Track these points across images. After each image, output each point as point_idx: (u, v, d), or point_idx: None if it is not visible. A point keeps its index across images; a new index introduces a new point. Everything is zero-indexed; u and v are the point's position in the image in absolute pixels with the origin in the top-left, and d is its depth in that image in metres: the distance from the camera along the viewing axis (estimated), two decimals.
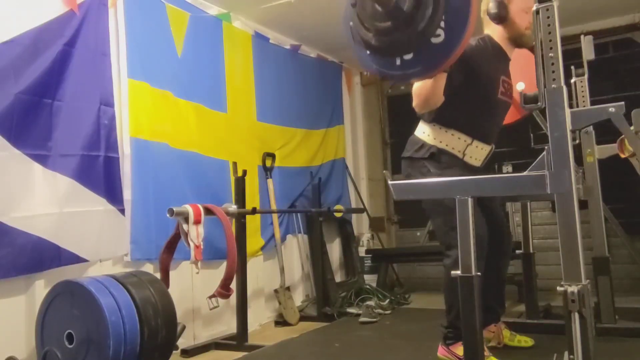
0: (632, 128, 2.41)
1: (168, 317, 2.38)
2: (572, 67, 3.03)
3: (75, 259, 2.63)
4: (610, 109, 1.77)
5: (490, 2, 2.41)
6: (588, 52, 2.89)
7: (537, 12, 1.58)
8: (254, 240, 3.73)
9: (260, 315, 3.81)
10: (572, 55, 3.01)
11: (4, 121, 2.38)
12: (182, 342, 2.92)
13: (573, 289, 1.45)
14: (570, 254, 1.49)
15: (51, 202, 2.55)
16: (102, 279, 2.31)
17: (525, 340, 2.63)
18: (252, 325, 3.53)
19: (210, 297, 2.75)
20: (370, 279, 4.65)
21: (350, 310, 3.89)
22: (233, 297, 2.98)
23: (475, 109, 2.38)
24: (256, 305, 3.75)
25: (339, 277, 4.73)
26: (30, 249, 2.43)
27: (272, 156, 4.04)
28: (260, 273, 3.84)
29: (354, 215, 5.05)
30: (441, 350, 2.41)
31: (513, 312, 3.43)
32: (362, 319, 3.57)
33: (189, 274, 3.20)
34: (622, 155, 2.78)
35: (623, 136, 2.60)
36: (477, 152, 2.43)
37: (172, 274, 2.87)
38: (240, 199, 3.27)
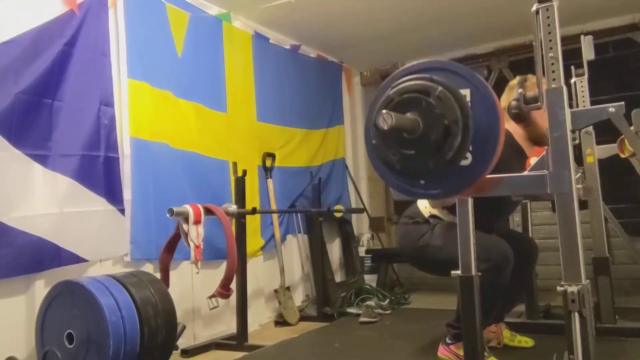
0: (632, 128, 2.41)
1: (168, 317, 2.38)
2: (572, 67, 3.03)
3: (75, 259, 2.63)
4: (610, 109, 1.77)
5: (512, 101, 2.37)
6: (588, 52, 2.89)
7: (537, 12, 1.58)
8: (254, 240, 3.73)
9: (260, 315, 3.81)
10: (572, 55, 3.01)
11: (4, 121, 2.38)
12: (182, 342, 2.92)
13: (573, 289, 1.45)
14: (570, 254, 1.49)
15: (51, 202, 2.55)
16: (102, 279, 2.31)
17: (525, 341, 2.63)
18: (252, 325, 3.53)
19: (210, 297, 2.75)
20: (370, 279, 4.65)
21: (350, 310, 3.89)
22: (233, 297, 2.98)
23: (486, 209, 2.24)
24: (256, 305, 3.75)
25: (339, 277, 4.73)
26: (30, 249, 2.43)
27: (272, 156, 4.04)
28: (260, 273, 3.84)
29: (354, 215, 5.05)
30: (442, 350, 2.41)
31: (513, 312, 3.42)
32: (362, 319, 3.57)
33: (189, 274, 3.20)
34: (622, 155, 2.78)
35: (623, 136, 2.60)
36: None
37: (172, 274, 2.87)
38: (240, 199, 3.27)
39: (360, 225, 5.22)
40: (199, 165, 3.40)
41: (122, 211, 2.88)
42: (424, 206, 2.47)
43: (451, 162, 1.55)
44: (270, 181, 3.98)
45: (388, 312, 3.82)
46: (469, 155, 1.56)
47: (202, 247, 2.72)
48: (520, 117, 2.39)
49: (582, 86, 3.02)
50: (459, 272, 1.64)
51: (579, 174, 1.61)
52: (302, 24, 4.17)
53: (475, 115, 1.54)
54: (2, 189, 2.36)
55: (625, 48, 4.41)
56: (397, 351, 2.83)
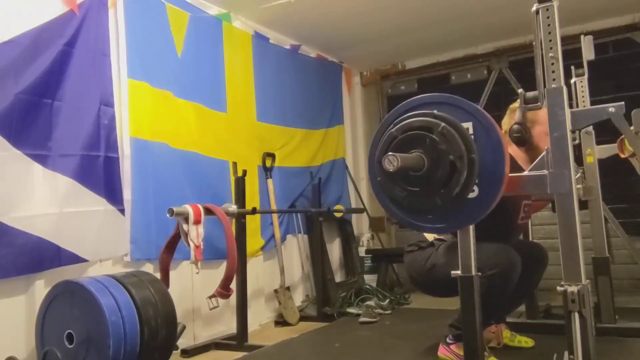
0: (632, 128, 2.41)
1: (168, 317, 2.38)
2: (572, 67, 3.03)
3: (75, 259, 2.63)
4: (610, 109, 1.77)
5: (514, 125, 2.36)
6: (588, 52, 2.88)
7: (537, 12, 1.58)
8: (254, 240, 3.73)
9: (260, 315, 3.81)
10: (572, 55, 3.01)
11: (4, 121, 2.38)
12: (182, 342, 2.92)
13: (573, 289, 1.45)
14: (570, 254, 1.49)
15: (51, 202, 2.55)
16: (102, 279, 2.31)
17: (525, 341, 2.63)
18: (252, 325, 3.53)
19: (210, 297, 2.75)
20: (370, 279, 4.65)
21: (350, 310, 3.89)
22: (233, 297, 2.98)
23: (492, 235, 2.24)
24: (256, 305, 3.75)
25: (339, 277, 4.73)
26: (30, 249, 2.43)
27: (272, 156, 4.04)
28: (260, 273, 3.84)
29: (354, 215, 5.05)
30: (442, 350, 2.41)
31: (513, 312, 3.42)
32: (362, 319, 3.56)
33: (189, 274, 3.20)
34: (622, 155, 2.78)
35: (623, 136, 2.60)
36: None
37: (172, 274, 2.87)
38: (240, 199, 3.26)
39: (360, 225, 5.22)
40: (199, 165, 3.40)
41: (122, 211, 2.88)
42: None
43: (458, 198, 1.54)
44: (270, 181, 3.98)
45: (388, 312, 3.82)
46: (475, 188, 1.56)
47: (202, 247, 2.72)
48: (522, 140, 2.38)
49: (582, 86, 3.02)
50: (459, 272, 1.64)
51: (579, 174, 1.61)
52: (302, 24, 4.17)
53: (480, 148, 1.54)
54: (2, 189, 2.36)
55: (625, 48, 4.40)
56: (397, 351, 2.83)
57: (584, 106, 2.95)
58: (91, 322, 2.18)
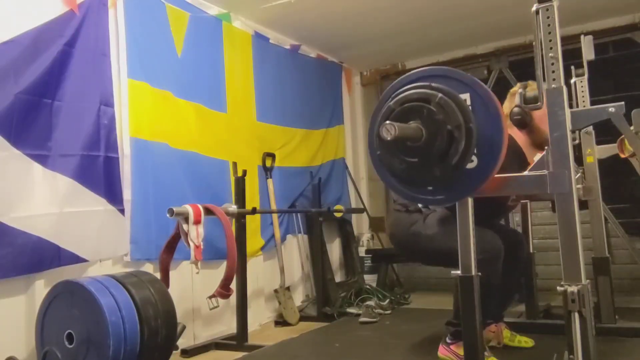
0: (632, 128, 2.41)
1: (168, 317, 2.38)
2: (572, 67, 3.03)
3: (75, 259, 2.63)
4: (610, 109, 1.77)
5: (514, 108, 2.37)
6: (588, 52, 2.89)
7: (537, 12, 1.58)
8: (254, 240, 3.73)
9: (260, 315, 3.81)
10: (572, 55, 3.01)
11: (4, 121, 2.38)
12: (182, 342, 2.92)
13: (573, 289, 1.45)
14: (570, 254, 1.49)
15: (51, 202, 2.55)
16: (102, 279, 2.31)
17: (525, 341, 2.63)
18: (252, 325, 3.53)
19: (210, 297, 2.75)
20: (370, 279, 4.65)
21: (350, 310, 3.89)
22: (233, 297, 2.98)
23: (483, 210, 2.32)
24: (256, 305, 3.75)
25: (339, 277, 4.73)
26: (30, 249, 2.43)
27: (272, 156, 4.04)
28: (260, 273, 3.84)
29: (354, 215, 5.05)
30: (442, 350, 2.41)
31: (513, 312, 3.42)
32: (362, 319, 3.56)
33: (189, 274, 3.20)
34: (622, 155, 2.78)
35: (623, 136, 2.60)
36: None
37: (172, 274, 2.87)
38: (240, 199, 3.26)
39: (360, 225, 5.22)
40: (199, 165, 3.40)
41: (122, 211, 2.88)
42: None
43: (457, 167, 1.55)
44: (270, 181, 3.98)
45: (388, 312, 3.82)
46: (474, 158, 1.56)
47: (202, 247, 2.72)
48: (522, 123, 2.39)
49: (582, 86, 3.02)
50: (458, 272, 1.64)
51: (579, 174, 1.61)
52: (302, 24, 4.17)
53: (477, 118, 1.55)
54: (2, 189, 2.36)
55: (625, 48, 4.40)
56: (397, 351, 2.83)
57: (584, 106, 2.95)
58: (91, 322, 2.18)
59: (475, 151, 1.55)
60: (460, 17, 4.12)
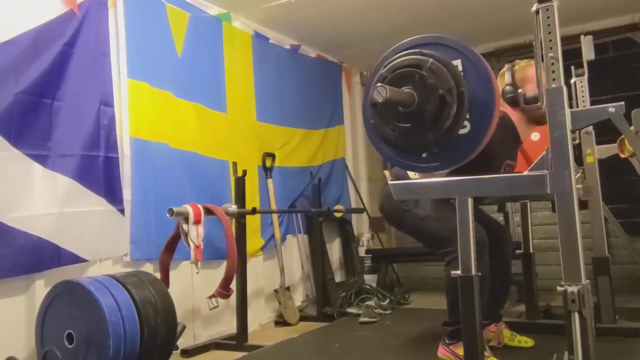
0: (632, 128, 2.40)
1: (168, 317, 2.38)
2: (572, 67, 3.03)
3: (75, 259, 2.63)
4: (610, 109, 1.76)
5: (506, 86, 2.38)
6: (588, 52, 2.88)
7: (537, 12, 1.58)
8: (254, 240, 3.73)
9: (260, 315, 3.81)
10: (572, 55, 3.01)
11: (4, 121, 2.38)
12: (182, 342, 2.92)
13: (573, 289, 1.45)
14: (570, 254, 1.49)
15: (51, 202, 2.55)
16: (102, 279, 2.31)
17: (525, 341, 2.63)
18: (252, 325, 3.53)
19: (210, 297, 2.75)
20: (370, 279, 4.65)
21: (350, 310, 3.89)
22: (233, 297, 2.98)
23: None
24: (256, 305, 3.75)
25: (339, 277, 4.73)
26: (30, 249, 2.43)
27: (272, 156, 4.04)
28: (260, 273, 3.84)
29: (354, 215, 5.05)
30: (442, 350, 2.41)
31: (513, 312, 3.42)
32: (362, 319, 3.56)
33: (189, 274, 3.20)
34: (622, 155, 2.78)
35: (623, 136, 2.60)
36: None
37: (172, 274, 2.87)
38: (240, 199, 3.26)
39: (360, 225, 5.22)
40: (199, 165, 3.40)
41: (122, 211, 2.88)
42: (413, 172, 2.46)
43: (449, 132, 1.57)
44: (270, 181, 3.98)
45: (388, 312, 3.82)
46: (467, 123, 1.57)
47: (202, 247, 2.72)
48: (515, 101, 2.40)
49: (582, 86, 3.02)
50: (458, 272, 1.64)
51: (579, 174, 1.61)
52: (302, 24, 4.17)
53: (469, 83, 1.57)
54: (2, 189, 2.36)
55: (625, 48, 4.41)
56: (397, 351, 2.83)
57: (584, 106, 2.95)
58: (91, 322, 2.18)
59: (467, 117, 1.57)
60: (460, 16, 4.11)
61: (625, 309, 3.11)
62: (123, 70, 2.99)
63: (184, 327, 2.59)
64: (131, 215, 2.93)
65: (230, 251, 2.74)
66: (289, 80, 4.38)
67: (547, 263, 4.02)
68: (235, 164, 3.39)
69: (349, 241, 4.89)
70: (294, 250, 4.31)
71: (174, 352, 2.51)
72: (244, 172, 3.32)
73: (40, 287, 2.49)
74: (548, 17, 1.56)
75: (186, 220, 2.70)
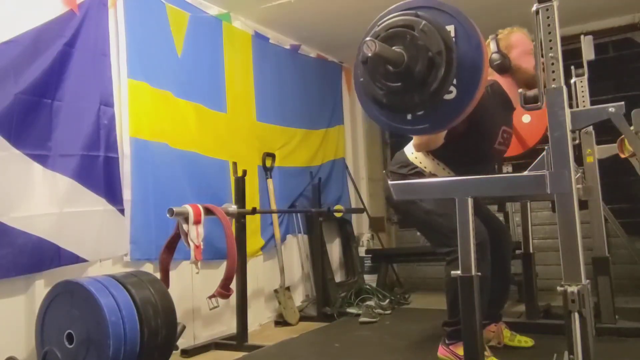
0: (632, 128, 2.40)
1: (168, 317, 2.38)
2: (572, 67, 3.03)
3: (75, 259, 2.63)
4: (610, 109, 1.76)
5: (492, 54, 2.42)
6: (588, 52, 2.89)
7: (537, 12, 1.58)
8: (254, 240, 3.73)
9: (260, 315, 3.81)
10: (572, 55, 3.01)
11: (4, 121, 2.38)
12: (182, 342, 2.92)
13: (573, 289, 1.45)
14: (570, 254, 1.49)
15: (51, 202, 2.55)
16: (102, 279, 2.31)
17: (525, 340, 2.63)
18: (252, 325, 3.53)
19: (210, 297, 2.75)
20: (370, 279, 4.65)
21: (350, 310, 3.89)
22: (233, 297, 2.98)
23: (468, 156, 2.38)
24: (256, 305, 3.75)
25: (339, 277, 4.73)
26: (30, 249, 2.43)
27: (272, 156, 4.04)
28: (260, 273, 3.84)
29: (354, 215, 5.05)
30: (441, 350, 2.41)
31: (513, 312, 3.42)
32: (362, 319, 3.56)
33: (189, 274, 3.20)
34: (622, 155, 2.78)
35: (623, 136, 2.60)
36: None
37: (172, 274, 2.87)
38: (240, 199, 3.26)
39: (360, 225, 5.21)
40: (199, 165, 3.40)
41: (122, 211, 2.88)
42: (410, 152, 2.48)
43: (435, 94, 1.59)
44: (270, 181, 3.98)
45: (388, 312, 3.82)
46: (453, 89, 1.60)
47: (202, 247, 2.72)
48: (503, 67, 2.44)
49: (582, 86, 3.02)
50: (458, 272, 1.64)
51: (579, 174, 1.61)
52: (302, 24, 4.17)
53: (460, 50, 1.59)
54: (2, 189, 2.36)
55: (625, 48, 4.41)
56: (397, 351, 2.83)
57: (584, 106, 2.95)
58: (91, 322, 2.18)
59: (455, 82, 1.59)
60: None
61: (625, 309, 3.11)
62: (123, 70, 2.99)
63: (184, 327, 2.59)
64: (131, 215, 2.93)
65: (230, 251, 2.74)
66: (289, 80, 4.38)
67: (547, 263, 4.02)
68: (235, 164, 3.39)
69: (349, 241, 4.89)
70: (294, 250, 4.31)
71: (174, 352, 2.51)
72: (244, 172, 3.32)
73: (40, 287, 2.49)
74: (548, 17, 1.56)
75: (186, 220, 2.70)
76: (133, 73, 3.02)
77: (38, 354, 2.32)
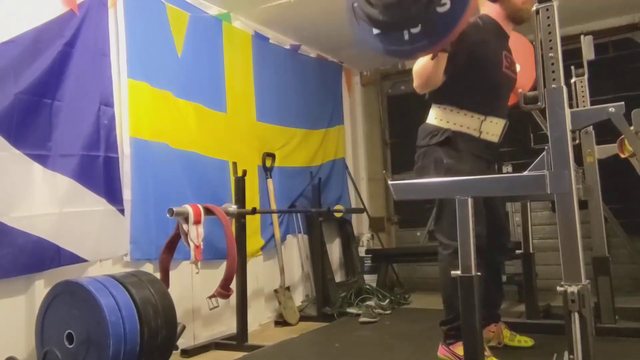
0: (632, 128, 2.41)
1: (168, 317, 2.38)
2: (572, 67, 3.03)
3: (75, 259, 2.63)
4: (610, 109, 1.76)
5: None
6: (588, 52, 2.89)
7: (537, 12, 1.58)
8: (254, 240, 3.73)
9: (260, 315, 3.81)
10: (572, 55, 3.01)
11: (4, 121, 2.38)
12: (182, 342, 2.92)
13: (573, 289, 1.45)
14: (570, 254, 1.49)
15: (51, 202, 2.55)
16: (102, 279, 2.31)
17: (525, 340, 2.63)
18: (252, 325, 3.53)
19: (210, 297, 2.75)
20: (370, 279, 4.65)
21: (350, 310, 3.89)
22: (233, 297, 2.98)
23: (482, 86, 2.38)
24: (256, 305, 3.75)
25: (339, 277, 4.73)
26: (30, 249, 2.43)
27: (272, 156, 4.04)
28: (260, 273, 3.84)
29: (354, 215, 5.05)
30: (441, 350, 2.41)
31: (513, 312, 3.42)
32: (362, 319, 3.57)
33: (189, 274, 3.20)
34: (622, 155, 2.78)
35: (623, 136, 2.60)
36: (492, 127, 2.43)
37: (172, 274, 2.87)
38: (240, 199, 3.26)
39: (360, 225, 5.22)
40: (199, 165, 3.40)
41: (122, 211, 2.88)
42: (433, 118, 2.45)
43: (429, 4, 1.64)
44: (270, 181, 3.98)
45: (388, 312, 3.82)
46: (446, 1, 1.65)
47: (202, 247, 2.72)
48: None
49: (582, 86, 3.02)
50: (458, 272, 1.64)
51: (578, 174, 1.61)
52: (302, 24, 4.17)
53: None
54: (2, 189, 2.36)
55: (625, 48, 4.41)
56: (397, 351, 2.83)
57: (584, 106, 2.95)
58: (91, 322, 2.18)
59: None
60: None
61: (625, 309, 3.11)
62: (123, 70, 2.99)
63: (184, 327, 2.59)
64: (131, 215, 2.93)
65: (230, 251, 2.74)
66: (289, 80, 4.38)
67: (547, 263, 4.02)
68: (235, 164, 3.39)
69: (349, 241, 4.89)
70: (294, 250, 4.31)
71: (174, 352, 2.51)
72: (244, 172, 3.32)
73: (40, 287, 2.49)
74: (548, 17, 1.56)
75: (186, 220, 2.70)
76: (133, 73, 3.02)
77: (38, 354, 2.32)
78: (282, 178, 4.12)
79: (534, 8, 1.58)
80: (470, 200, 1.65)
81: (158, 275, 2.73)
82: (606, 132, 2.75)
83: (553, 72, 1.55)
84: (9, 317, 2.42)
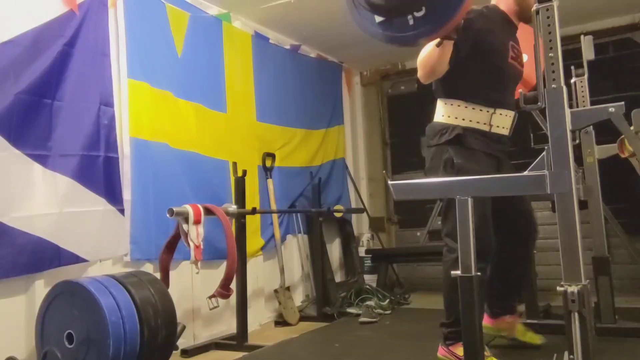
0: (632, 128, 2.41)
1: (168, 317, 2.37)
2: (572, 67, 3.03)
3: (75, 259, 2.63)
4: (610, 109, 1.76)
5: None
6: (588, 52, 2.89)
7: (537, 12, 1.58)
8: (254, 240, 3.73)
9: (260, 315, 3.81)
10: (572, 55, 3.01)
11: (4, 121, 2.38)
12: (182, 342, 2.92)
13: (573, 289, 1.45)
14: (570, 254, 1.49)
15: (51, 202, 2.55)
16: (102, 279, 2.31)
17: (534, 338, 2.63)
18: (252, 325, 3.53)
19: (210, 297, 2.75)
20: (370, 279, 4.65)
21: (350, 310, 3.89)
22: (233, 297, 2.98)
23: (488, 77, 2.34)
24: (256, 305, 3.75)
25: (339, 277, 4.73)
26: (30, 249, 2.43)
27: (272, 156, 4.04)
28: (260, 273, 3.84)
29: (354, 215, 5.05)
30: (441, 351, 2.41)
31: None
32: (362, 319, 3.57)
33: (189, 274, 3.20)
34: (622, 155, 2.79)
35: (623, 136, 2.60)
36: (502, 120, 2.39)
37: (172, 274, 2.87)
38: (240, 199, 3.27)
39: (360, 225, 5.22)
40: (199, 165, 3.40)
41: (122, 211, 2.88)
42: (440, 115, 2.42)
43: None
44: (270, 181, 3.98)
45: (388, 312, 3.82)
46: None
47: (202, 247, 2.72)
48: None
49: (582, 86, 3.02)
50: (458, 272, 1.64)
51: (578, 174, 1.61)
52: (302, 24, 4.17)
53: None
54: (2, 189, 2.36)
55: (625, 48, 4.41)
56: (397, 351, 2.83)
57: (584, 106, 2.95)
58: (91, 322, 2.18)
59: None
60: None
61: (625, 309, 3.12)
62: (123, 70, 2.99)
63: (184, 327, 2.59)
64: (131, 215, 2.93)
65: (230, 251, 2.74)
66: (289, 80, 4.38)
67: (547, 263, 4.02)
68: (235, 164, 3.39)
69: (349, 241, 4.89)
70: (294, 250, 4.31)
71: (174, 352, 2.51)
72: (244, 172, 3.32)
73: (40, 287, 2.49)
74: (548, 17, 1.56)
75: (186, 220, 2.70)
76: (133, 73, 3.02)
77: (38, 354, 2.32)
78: (282, 178, 4.12)
79: (534, 8, 1.58)
80: (470, 200, 1.65)
81: (158, 275, 2.73)
82: (606, 132, 2.75)
83: (553, 72, 1.55)
84: (9, 317, 2.42)
